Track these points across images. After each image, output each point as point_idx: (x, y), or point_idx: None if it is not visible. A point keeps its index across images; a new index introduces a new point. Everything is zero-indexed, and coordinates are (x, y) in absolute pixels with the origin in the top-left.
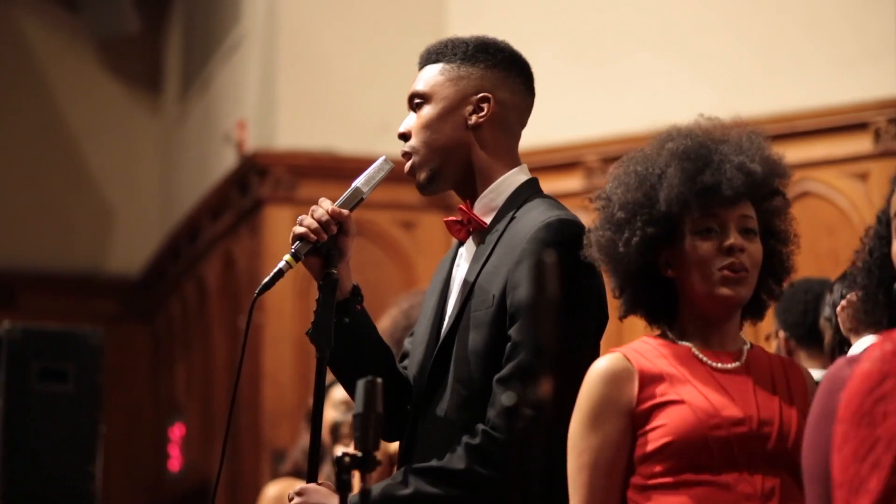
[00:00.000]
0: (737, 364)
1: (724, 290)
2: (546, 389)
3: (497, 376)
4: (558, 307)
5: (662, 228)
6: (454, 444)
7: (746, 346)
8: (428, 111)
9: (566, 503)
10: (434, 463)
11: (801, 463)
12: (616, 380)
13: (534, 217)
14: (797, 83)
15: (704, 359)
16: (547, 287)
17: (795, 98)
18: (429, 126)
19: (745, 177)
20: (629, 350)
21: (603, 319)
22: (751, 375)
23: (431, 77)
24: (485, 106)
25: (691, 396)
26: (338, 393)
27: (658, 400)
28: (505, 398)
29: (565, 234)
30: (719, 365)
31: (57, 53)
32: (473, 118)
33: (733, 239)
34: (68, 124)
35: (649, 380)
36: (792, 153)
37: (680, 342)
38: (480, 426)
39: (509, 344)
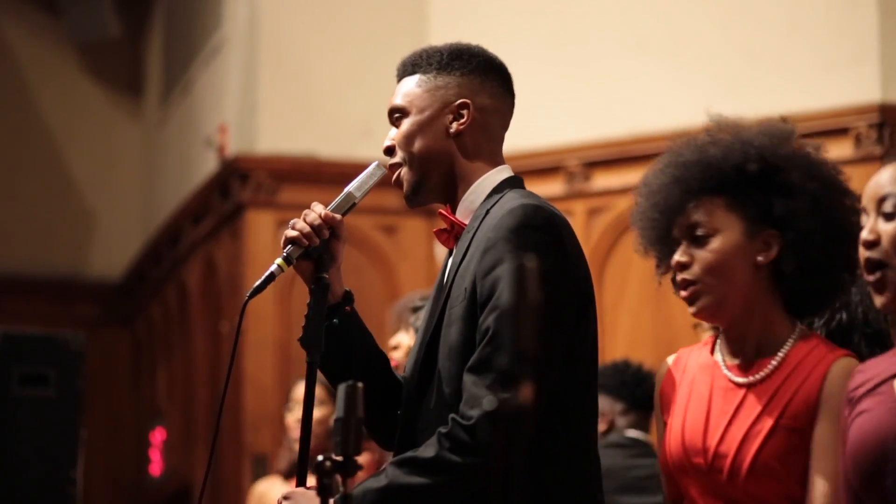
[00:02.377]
0: (759, 375)
1: (691, 310)
2: (513, 376)
3: (467, 366)
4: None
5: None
6: None
7: (785, 347)
8: (408, 123)
9: (538, 488)
10: (408, 453)
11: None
12: (659, 379)
13: (500, 207)
14: (778, 88)
15: (726, 371)
16: (512, 274)
17: (776, 103)
18: (410, 138)
19: (701, 171)
20: (686, 351)
21: (585, 296)
22: (761, 390)
23: (409, 90)
24: (465, 113)
25: (678, 422)
26: (299, 392)
27: (668, 417)
28: (472, 386)
29: (529, 217)
30: (739, 379)
31: (38, 57)
32: (454, 126)
33: (677, 256)
34: (49, 128)
35: (668, 393)
36: None
37: (717, 346)
38: (451, 415)
39: (478, 333)
